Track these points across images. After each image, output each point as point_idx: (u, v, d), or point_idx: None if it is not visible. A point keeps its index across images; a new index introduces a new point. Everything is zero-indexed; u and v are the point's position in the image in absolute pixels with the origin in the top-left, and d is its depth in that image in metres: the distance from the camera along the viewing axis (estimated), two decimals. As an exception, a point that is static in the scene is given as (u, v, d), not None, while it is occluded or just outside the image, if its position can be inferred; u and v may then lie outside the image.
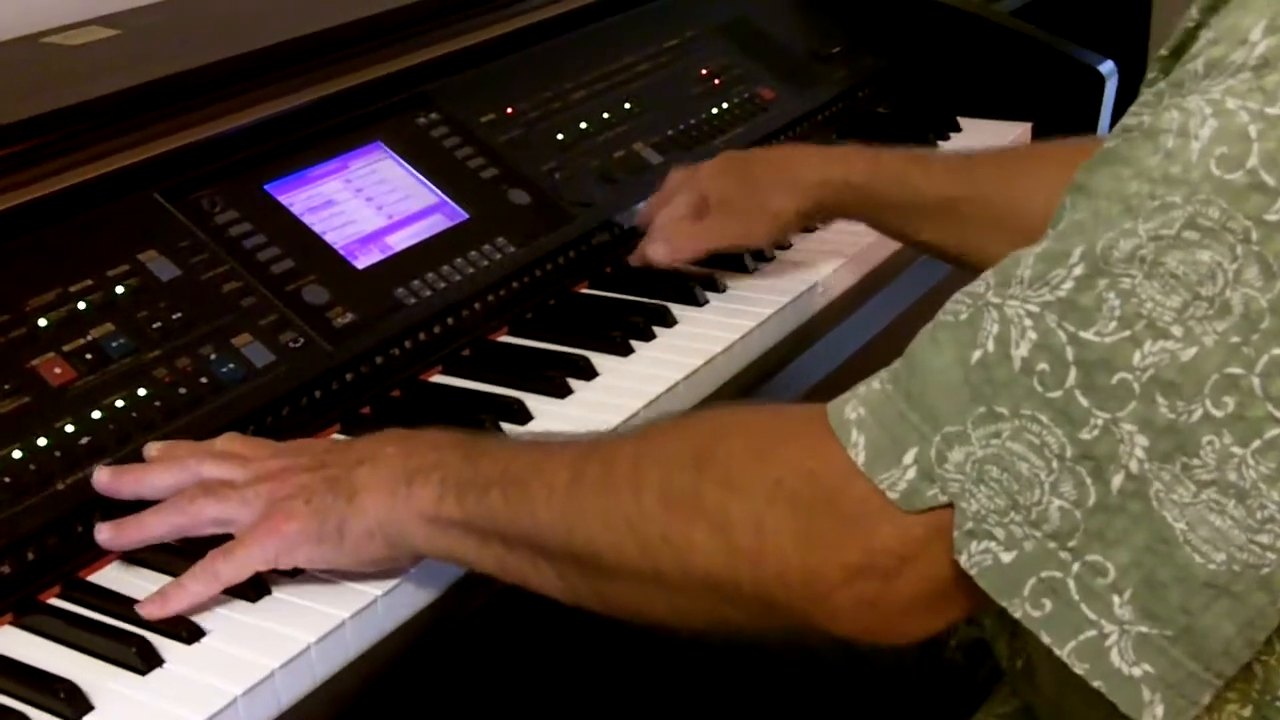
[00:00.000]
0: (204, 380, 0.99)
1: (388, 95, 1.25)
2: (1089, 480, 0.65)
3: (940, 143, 1.56)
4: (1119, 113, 1.63)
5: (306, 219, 1.14)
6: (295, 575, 0.88)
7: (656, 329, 1.16)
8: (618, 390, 1.07)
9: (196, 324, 1.02)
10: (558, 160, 1.30)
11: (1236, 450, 0.63)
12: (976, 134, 1.58)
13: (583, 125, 1.35)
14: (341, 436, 1.04)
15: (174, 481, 0.90)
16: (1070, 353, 0.65)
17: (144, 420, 0.95)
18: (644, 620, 0.79)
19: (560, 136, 1.33)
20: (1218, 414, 0.64)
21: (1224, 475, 0.64)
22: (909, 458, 0.68)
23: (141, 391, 0.96)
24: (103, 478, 0.90)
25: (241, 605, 0.86)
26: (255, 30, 1.25)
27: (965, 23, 1.68)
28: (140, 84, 1.12)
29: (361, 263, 1.13)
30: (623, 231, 1.29)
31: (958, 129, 1.59)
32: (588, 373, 1.10)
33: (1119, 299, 0.65)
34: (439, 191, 1.21)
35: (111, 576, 0.89)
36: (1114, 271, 0.65)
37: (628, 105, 1.40)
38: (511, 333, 1.17)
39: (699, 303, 1.20)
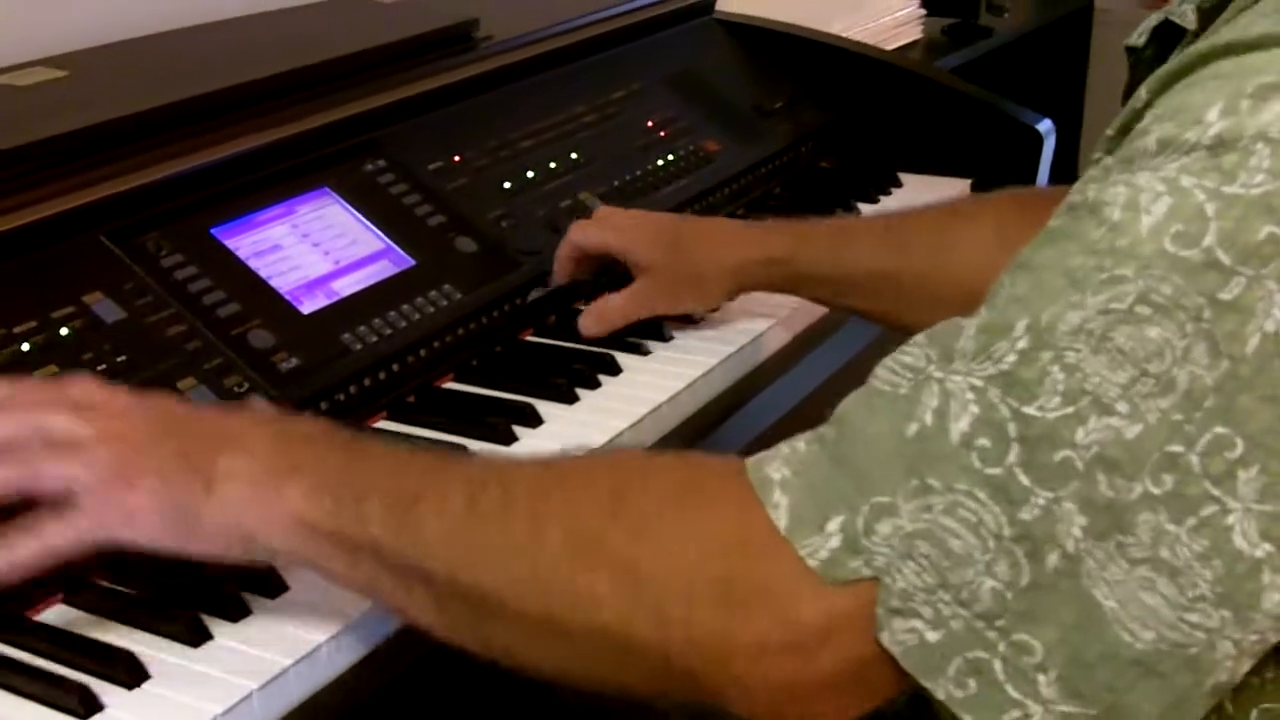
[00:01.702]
0: (148, 423, 0.98)
1: (336, 141, 1.25)
2: (1024, 560, 0.64)
3: (882, 198, 1.58)
4: (1056, 170, 1.68)
5: (252, 263, 1.14)
6: (236, 620, 0.87)
7: (602, 377, 1.16)
8: (563, 438, 1.08)
9: (141, 367, 1.01)
10: (505, 208, 1.31)
11: (1171, 528, 0.63)
12: (917, 190, 1.60)
13: (530, 174, 1.36)
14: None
15: (13, 432, 0.81)
16: (1012, 428, 0.64)
17: (87, 463, 0.94)
18: (529, 670, 0.75)
19: (507, 185, 1.33)
20: (1156, 491, 0.63)
21: (1157, 553, 0.63)
22: (833, 525, 0.66)
23: (85, 434, 0.95)
24: None
25: (183, 650, 0.85)
26: (204, 74, 1.25)
27: (907, 80, 1.70)
28: (88, 126, 1.12)
29: (307, 308, 1.13)
30: (569, 281, 1.30)
31: (899, 184, 1.61)
32: (533, 420, 1.10)
33: (1063, 373, 0.64)
34: (386, 238, 1.22)
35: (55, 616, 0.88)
36: (1059, 345, 0.64)
37: (574, 155, 1.41)
38: (457, 379, 1.18)
39: (644, 351, 1.21)
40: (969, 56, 2.45)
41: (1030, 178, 1.65)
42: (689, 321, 1.26)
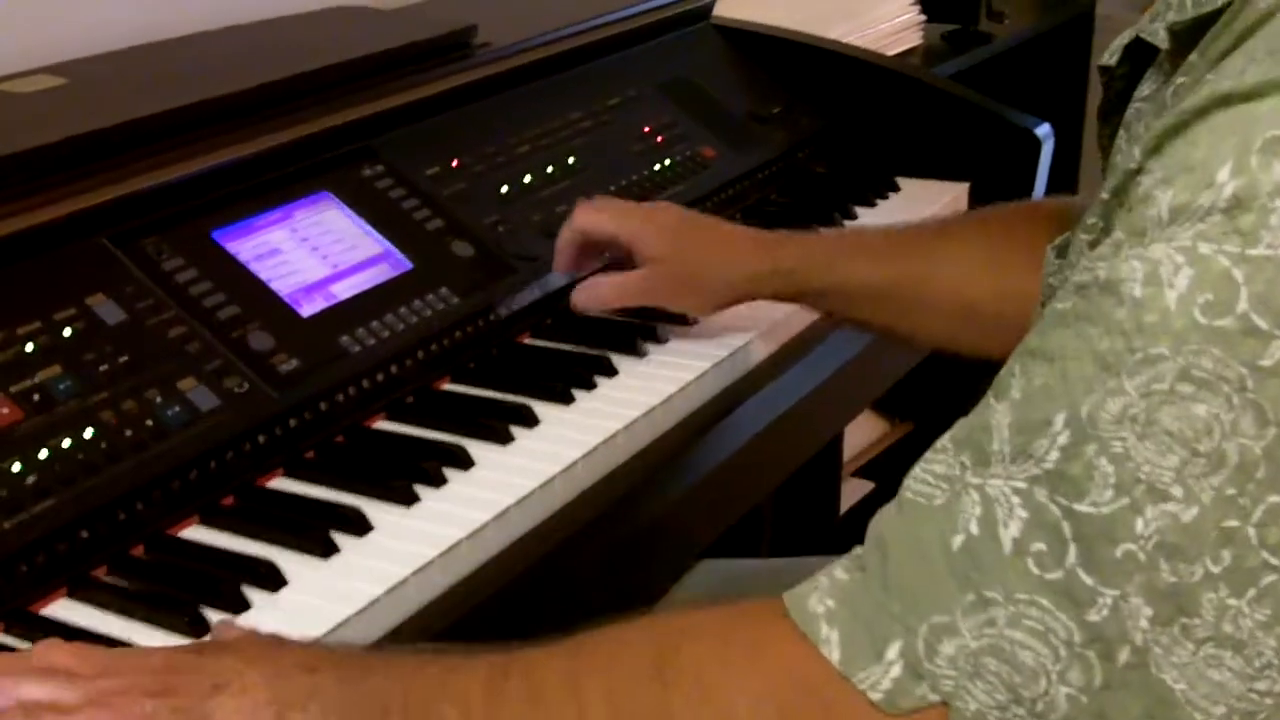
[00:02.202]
0: (149, 423, 1.00)
1: (334, 147, 1.26)
2: (1097, 662, 0.62)
3: (879, 202, 1.59)
4: (1055, 174, 1.69)
5: (252, 267, 1.15)
6: (238, 613, 0.89)
7: (598, 378, 1.18)
8: (559, 439, 1.09)
9: (142, 368, 1.02)
10: (501, 213, 1.32)
11: (1233, 602, 0.61)
12: (914, 194, 1.62)
13: (526, 179, 1.37)
14: (284, 484, 1.05)
15: None
16: (1067, 528, 0.62)
17: (89, 462, 0.95)
18: None
19: (504, 190, 1.35)
20: (1216, 570, 0.61)
21: (1221, 629, 0.61)
22: (892, 652, 0.64)
23: (88, 433, 0.96)
24: None
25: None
26: (203, 81, 1.26)
27: (904, 85, 1.71)
28: (89, 132, 1.14)
29: (306, 310, 1.14)
30: (565, 285, 1.31)
31: (896, 189, 1.62)
32: (530, 421, 1.11)
33: (1112, 464, 0.62)
34: (384, 242, 1.23)
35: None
36: (1103, 435, 0.62)
37: (571, 161, 1.42)
38: (454, 381, 1.19)
39: (640, 354, 1.22)
40: (969, 63, 2.46)
41: (1028, 182, 1.66)
42: (682, 322, 1.27)
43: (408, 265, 1.22)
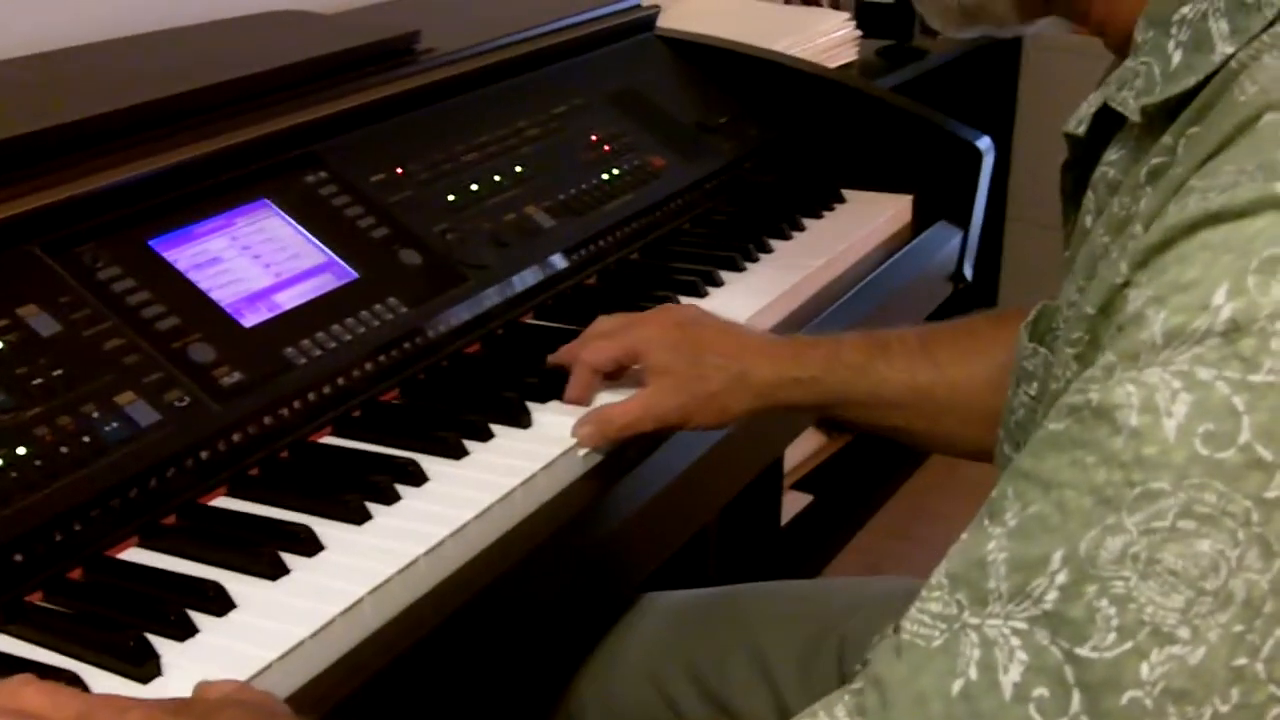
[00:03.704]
0: (87, 440, 0.95)
1: (276, 153, 1.22)
2: None
3: (826, 213, 1.57)
4: (994, 186, 1.67)
5: (192, 276, 1.11)
6: (184, 639, 0.84)
7: (553, 393, 1.14)
8: (514, 452, 1.05)
9: (78, 382, 0.98)
10: (449, 222, 1.29)
11: None
12: (860, 206, 1.60)
13: (474, 187, 1.34)
14: (228, 501, 1.00)
15: None
16: (1069, 673, 0.60)
17: (24, 480, 0.91)
18: None
19: (451, 198, 1.31)
20: (1224, 709, 0.59)
21: None
22: None
23: (22, 450, 0.92)
24: None
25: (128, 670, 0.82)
26: (141, 84, 1.22)
27: (849, 98, 1.70)
28: (21, 135, 1.09)
29: (249, 321, 1.10)
30: (515, 294, 1.28)
31: (842, 200, 1.61)
32: (483, 434, 1.08)
33: (1114, 606, 0.59)
34: (327, 250, 1.19)
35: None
36: (1103, 575, 0.60)
37: (519, 169, 1.39)
38: (404, 394, 1.15)
39: (594, 367, 1.19)
40: (903, 78, 2.46)
41: (970, 193, 1.65)
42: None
43: (353, 275, 1.18)
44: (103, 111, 1.15)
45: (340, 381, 1.11)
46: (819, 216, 1.56)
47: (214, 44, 1.38)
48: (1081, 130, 0.82)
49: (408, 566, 0.92)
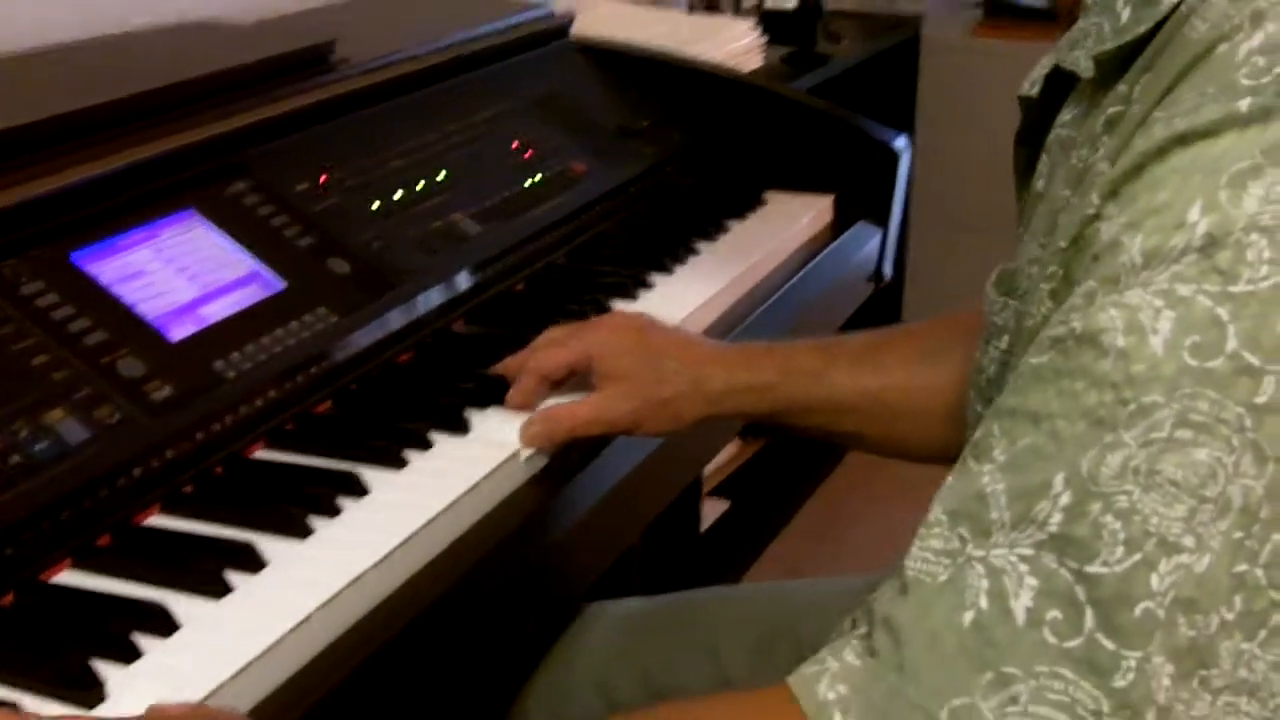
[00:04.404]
0: (15, 459, 0.92)
1: (199, 162, 1.19)
2: None
3: (748, 215, 1.57)
4: (911, 183, 1.68)
5: (116, 289, 1.08)
6: (129, 662, 0.82)
7: (491, 399, 1.12)
8: (459, 459, 1.04)
9: (5, 400, 0.94)
10: (376, 230, 1.26)
11: (1246, 646, 0.60)
12: (782, 207, 1.60)
13: (398, 195, 1.32)
14: (163, 520, 0.97)
15: None
16: (1080, 592, 0.60)
17: (-47, 501, 0.87)
18: None
19: (376, 206, 1.29)
20: (1230, 617, 0.60)
21: (1237, 675, 0.60)
22: None
23: (-52, 471, 0.89)
24: None
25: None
26: (59, 95, 1.18)
27: (767, 101, 1.70)
28: (-67, 148, 1.06)
29: (176, 335, 1.07)
30: (445, 301, 1.26)
31: (763, 202, 1.61)
32: (423, 444, 1.06)
33: (1119, 521, 0.60)
34: (254, 261, 1.16)
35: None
36: (1106, 491, 0.60)
37: (442, 176, 1.37)
38: (337, 405, 1.13)
39: (531, 371, 1.17)
40: (808, 83, 2.48)
41: (888, 192, 1.66)
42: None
43: (281, 285, 1.16)
44: (19, 124, 1.11)
45: (272, 394, 1.08)
46: (743, 218, 1.55)
47: (130, 54, 1.34)
48: (1035, 91, 0.83)
49: (356, 579, 0.90)
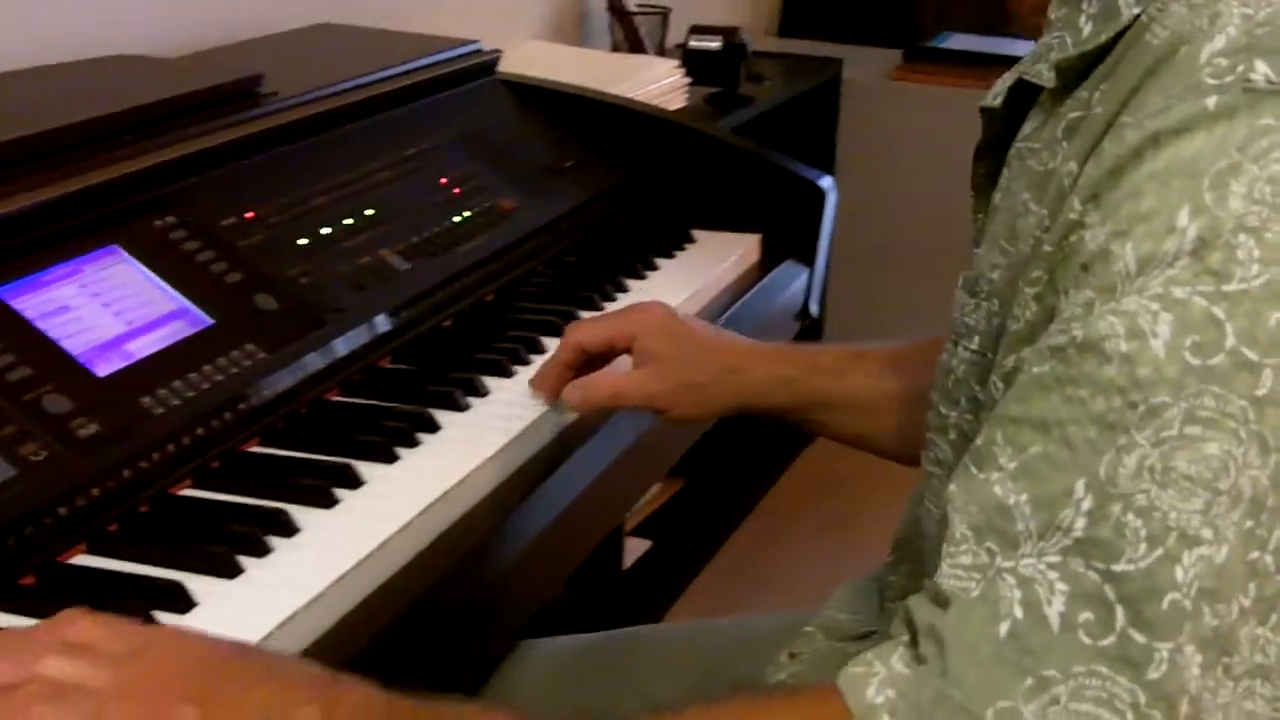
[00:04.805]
0: (-63, 497, 0.90)
1: (125, 197, 1.18)
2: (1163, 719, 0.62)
3: (676, 253, 1.57)
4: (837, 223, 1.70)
5: (40, 325, 1.06)
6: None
7: (421, 435, 1.12)
8: (389, 497, 1.03)
9: (-74, 436, 0.93)
10: (303, 266, 1.25)
11: (1260, 631, 0.63)
12: (710, 245, 1.61)
13: (326, 231, 1.31)
14: (89, 559, 0.96)
15: (4, 679, 0.67)
16: (1110, 592, 0.62)
17: (-128, 541, 0.85)
18: None
19: (304, 242, 1.28)
20: (1246, 603, 0.62)
21: (1254, 660, 0.63)
22: None
23: None
24: None
25: None
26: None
27: (695, 140, 1.71)
28: None
29: (102, 371, 1.06)
30: (373, 338, 1.25)
31: (692, 240, 1.61)
32: (353, 481, 1.05)
33: (1140, 519, 0.62)
34: (180, 297, 1.15)
35: None
36: (1125, 492, 0.62)
37: (370, 212, 1.36)
38: (264, 443, 1.11)
39: (461, 407, 1.17)
40: (732, 123, 2.49)
41: (814, 232, 1.67)
42: (505, 375, 1.22)
43: (207, 321, 1.14)
44: (-60, 155, 1.09)
45: (199, 431, 1.07)
46: (671, 256, 1.56)
47: (55, 87, 1.32)
48: (997, 102, 0.85)
49: (287, 620, 0.89)
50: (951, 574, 0.67)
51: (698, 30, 2.58)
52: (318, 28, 1.77)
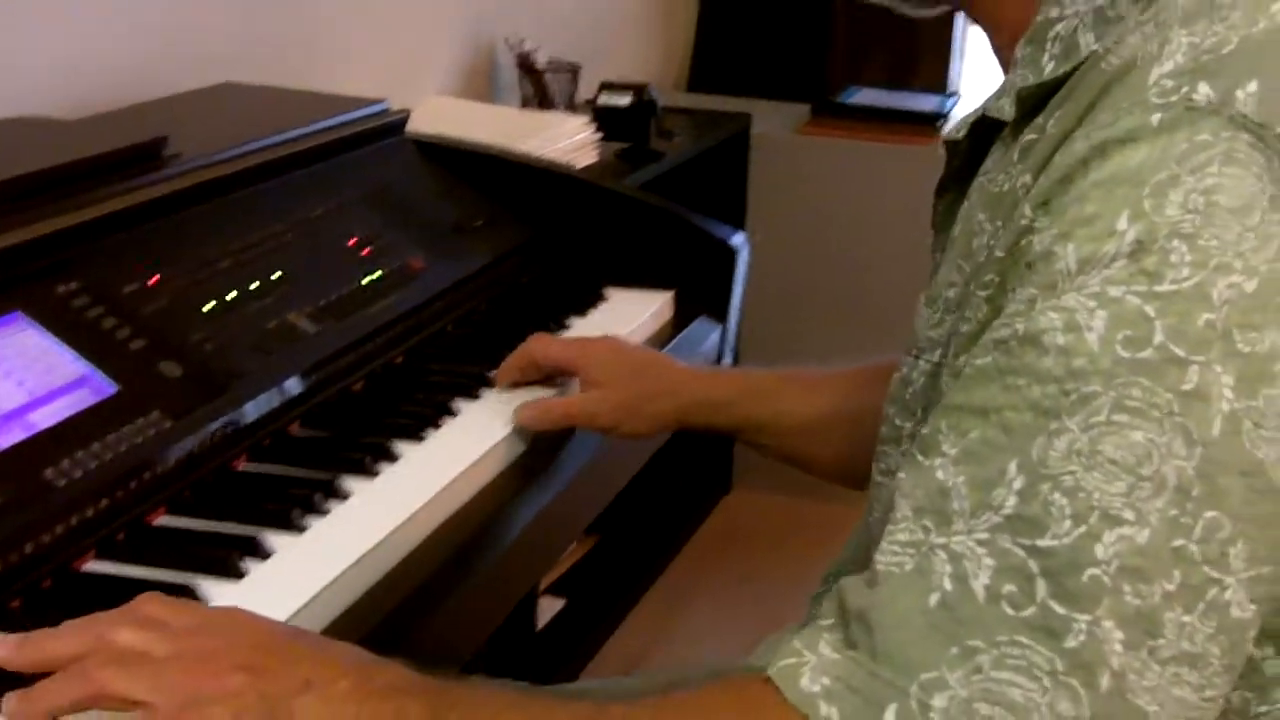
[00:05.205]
0: None
1: (27, 262, 1.15)
2: (1081, 690, 0.65)
3: (589, 311, 1.57)
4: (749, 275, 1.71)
5: (-63, 396, 1.03)
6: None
7: (330, 503, 1.10)
8: (298, 568, 1.01)
9: None
10: (208, 330, 1.23)
11: (1187, 619, 0.65)
12: (622, 303, 1.60)
13: (232, 295, 1.29)
14: None
15: (77, 648, 0.77)
16: (1033, 565, 0.65)
17: None
18: None
19: (209, 307, 1.26)
20: (1171, 588, 0.65)
21: (1180, 647, 0.65)
22: (890, 715, 0.66)
23: None
24: (4, 650, 0.79)
25: None
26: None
27: (606, 198, 1.71)
28: None
29: (4, 442, 1.03)
30: (281, 403, 1.23)
31: (604, 298, 1.61)
32: (260, 552, 1.03)
33: (1066, 497, 0.65)
34: (84, 364, 1.13)
35: None
36: (1054, 472, 0.66)
37: (276, 275, 1.35)
38: (171, 512, 1.09)
39: (371, 474, 1.15)
40: (642, 178, 2.50)
41: (726, 289, 1.67)
42: (416, 439, 1.21)
43: (112, 389, 1.12)
44: None
45: (103, 503, 1.05)
46: (584, 315, 1.55)
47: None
48: (961, 134, 0.89)
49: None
50: (889, 550, 0.70)
51: (608, 86, 2.59)
52: (222, 87, 1.75)
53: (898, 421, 0.94)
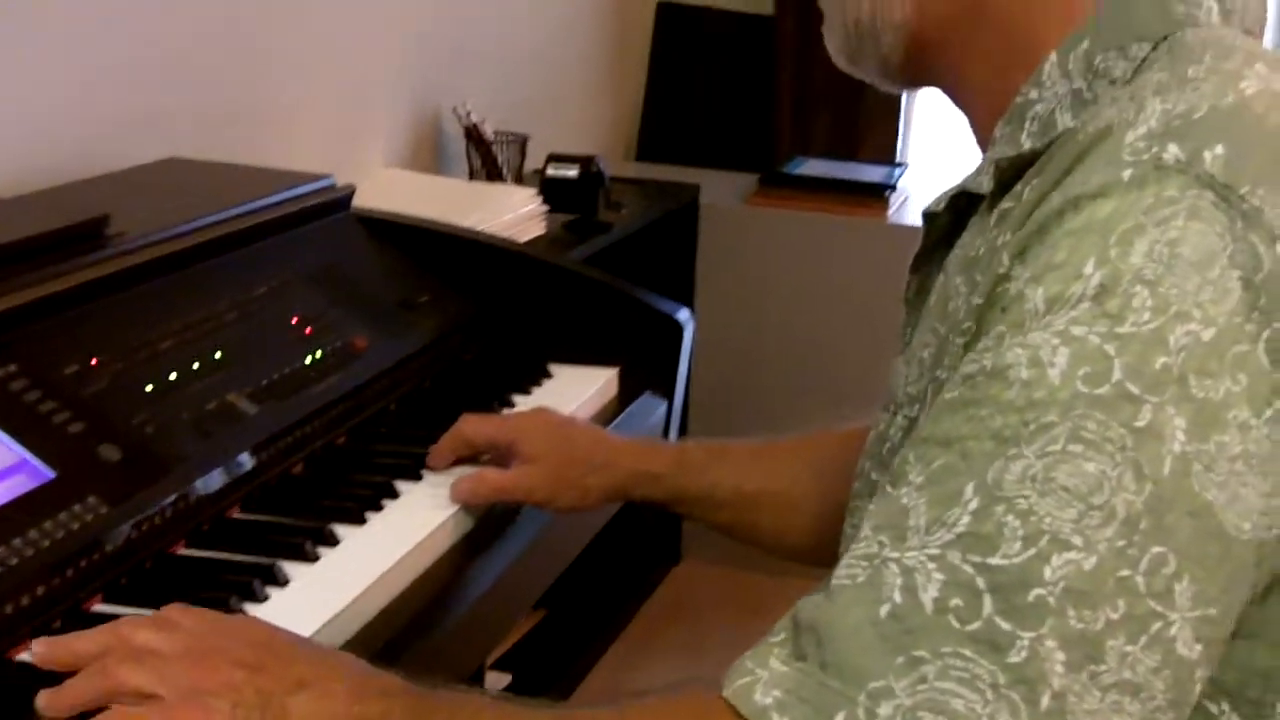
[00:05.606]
0: None
1: (-40, 346, 1.15)
2: (1022, 704, 0.66)
3: (533, 389, 1.57)
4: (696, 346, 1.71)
5: None
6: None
7: (269, 589, 1.09)
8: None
9: None
10: (148, 413, 1.22)
11: (1130, 648, 0.67)
12: (568, 380, 1.60)
13: (172, 376, 1.28)
14: None
15: (99, 646, 0.83)
16: (981, 582, 0.68)
17: None
18: None
19: (150, 388, 1.25)
20: (1115, 617, 0.67)
21: (1122, 675, 0.67)
22: None
23: None
24: (39, 649, 0.86)
25: None
26: None
27: (551, 274, 1.72)
28: None
29: (-65, 531, 1.02)
30: (220, 486, 1.22)
31: (549, 375, 1.61)
32: (198, 640, 1.01)
33: (1019, 519, 0.68)
34: (21, 449, 1.11)
35: None
36: (1009, 495, 0.68)
37: (218, 355, 1.34)
38: (107, 599, 1.08)
39: (311, 559, 1.14)
40: (590, 250, 2.50)
41: (673, 364, 1.67)
42: (357, 522, 1.20)
43: (49, 474, 1.11)
44: None
45: (40, 590, 1.03)
46: (528, 393, 1.55)
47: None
48: (941, 206, 0.92)
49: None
50: (845, 564, 0.72)
51: (555, 159, 2.60)
52: (165, 163, 1.75)
53: (873, 476, 0.96)
